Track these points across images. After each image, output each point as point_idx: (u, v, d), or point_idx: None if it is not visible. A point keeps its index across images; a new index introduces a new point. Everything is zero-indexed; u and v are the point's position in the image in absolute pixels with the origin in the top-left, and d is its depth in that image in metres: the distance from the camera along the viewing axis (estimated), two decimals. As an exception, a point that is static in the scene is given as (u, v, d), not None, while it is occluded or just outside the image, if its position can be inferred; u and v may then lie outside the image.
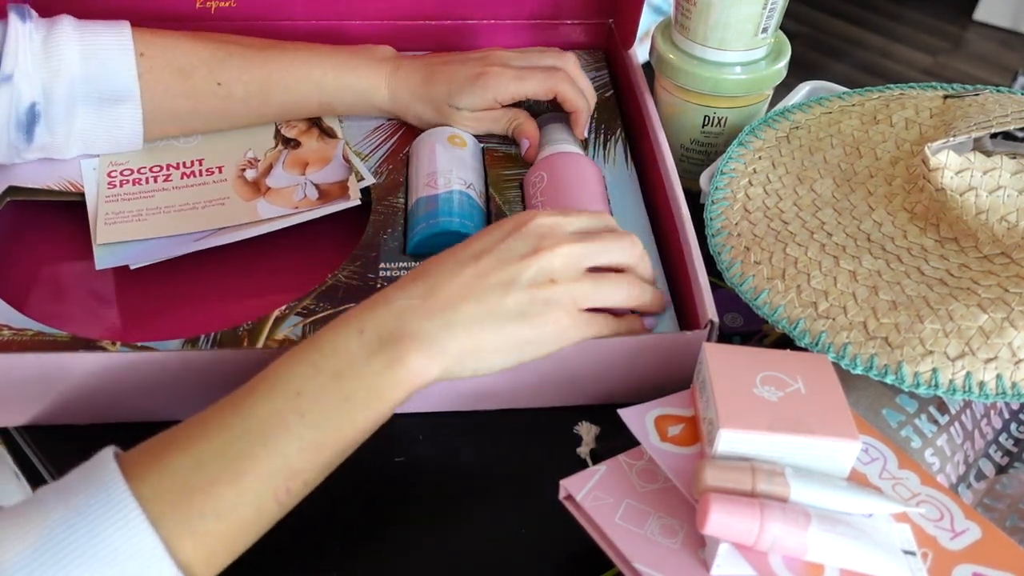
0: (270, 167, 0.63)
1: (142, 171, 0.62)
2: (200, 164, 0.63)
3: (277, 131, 0.65)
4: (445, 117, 0.63)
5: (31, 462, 0.52)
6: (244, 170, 0.63)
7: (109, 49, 0.56)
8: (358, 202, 0.60)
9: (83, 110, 0.57)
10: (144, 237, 0.58)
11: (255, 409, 0.38)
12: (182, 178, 0.62)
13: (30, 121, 0.55)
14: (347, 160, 0.63)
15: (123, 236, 0.58)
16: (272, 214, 0.59)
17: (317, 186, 0.61)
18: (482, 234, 0.45)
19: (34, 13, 0.57)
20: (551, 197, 0.57)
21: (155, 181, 0.62)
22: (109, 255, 0.57)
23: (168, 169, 0.63)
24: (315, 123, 0.66)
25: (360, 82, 0.63)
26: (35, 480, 0.59)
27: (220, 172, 0.63)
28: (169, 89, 0.59)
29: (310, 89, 0.62)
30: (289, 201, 0.60)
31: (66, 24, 0.57)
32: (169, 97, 0.59)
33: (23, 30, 0.54)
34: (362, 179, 0.62)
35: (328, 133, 0.65)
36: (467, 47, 0.73)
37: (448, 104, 0.62)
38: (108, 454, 0.37)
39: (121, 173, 0.62)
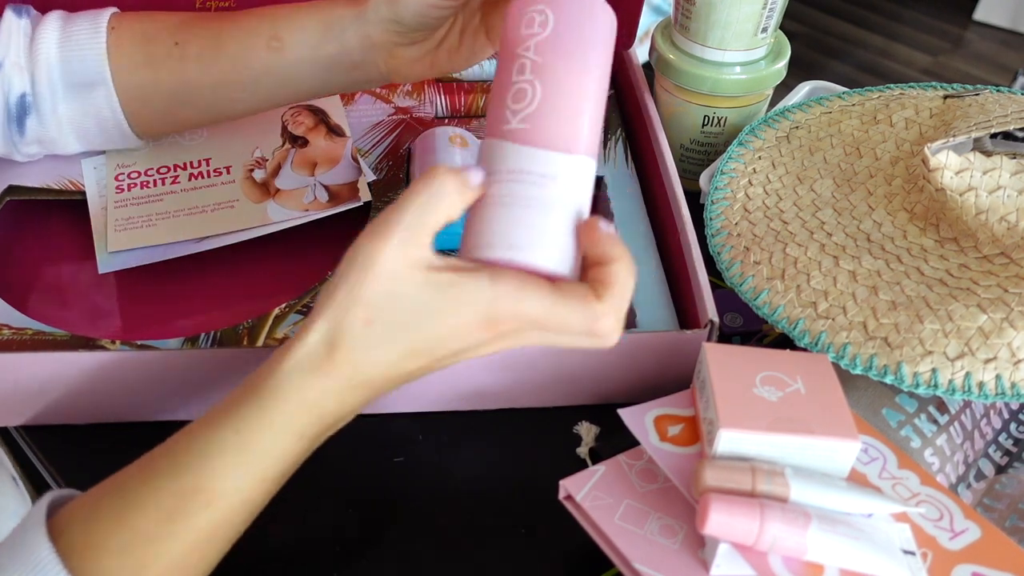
0: (278, 167, 0.63)
1: (149, 173, 0.62)
2: (207, 164, 0.63)
3: (284, 128, 0.65)
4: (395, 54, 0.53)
5: (31, 462, 0.52)
6: (252, 170, 0.63)
7: (83, 31, 0.55)
8: (369, 199, 0.60)
9: (64, 97, 0.56)
10: (155, 243, 0.58)
11: (197, 522, 0.36)
12: (190, 179, 0.62)
13: (20, 113, 0.55)
14: (356, 160, 0.63)
15: (134, 243, 0.58)
16: (282, 217, 0.59)
17: (327, 188, 0.61)
18: (433, 337, 0.36)
19: (33, 11, 0.56)
20: (543, 69, 0.39)
21: (163, 184, 0.61)
22: (113, 260, 0.57)
23: (175, 170, 0.62)
24: (322, 120, 0.66)
25: (318, 12, 0.53)
26: (35, 480, 0.59)
27: (228, 172, 0.62)
28: (132, 58, 0.56)
29: (259, 24, 0.54)
30: (299, 203, 0.60)
31: (53, 15, 0.56)
32: (133, 68, 0.56)
33: (16, 24, 0.54)
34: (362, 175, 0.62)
35: (336, 131, 0.65)
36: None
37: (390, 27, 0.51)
38: (44, 547, 0.34)
39: (128, 176, 0.61)
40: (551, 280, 0.37)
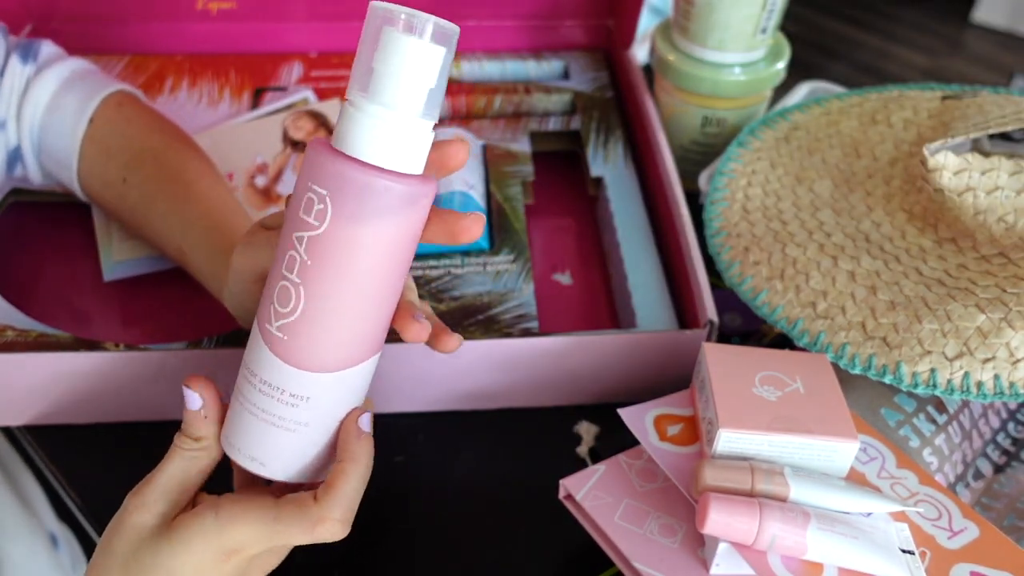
0: (280, 172, 0.63)
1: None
2: None
3: (285, 134, 0.65)
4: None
5: (34, 461, 0.52)
6: (254, 177, 0.62)
7: (70, 111, 0.53)
8: None
9: (41, 159, 0.55)
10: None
11: None
12: None
13: (11, 161, 0.55)
14: None
15: (139, 252, 0.58)
16: None
17: None
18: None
19: (43, 49, 0.55)
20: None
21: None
22: (118, 268, 0.58)
23: (180, 177, 0.62)
24: (322, 123, 0.66)
25: (214, 247, 0.49)
26: (39, 480, 0.59)
27: (230, 180, 0.62)
28: (92, 167, 0.54)
29: (172, 222, 0.52)
30: None
31: (56, 70, 0.54)
32: (90, 174, 0.55)
33: (21, 72, 0.53)
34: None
35: None
36: (467, 47, 0.74)
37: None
38: None
39: None
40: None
